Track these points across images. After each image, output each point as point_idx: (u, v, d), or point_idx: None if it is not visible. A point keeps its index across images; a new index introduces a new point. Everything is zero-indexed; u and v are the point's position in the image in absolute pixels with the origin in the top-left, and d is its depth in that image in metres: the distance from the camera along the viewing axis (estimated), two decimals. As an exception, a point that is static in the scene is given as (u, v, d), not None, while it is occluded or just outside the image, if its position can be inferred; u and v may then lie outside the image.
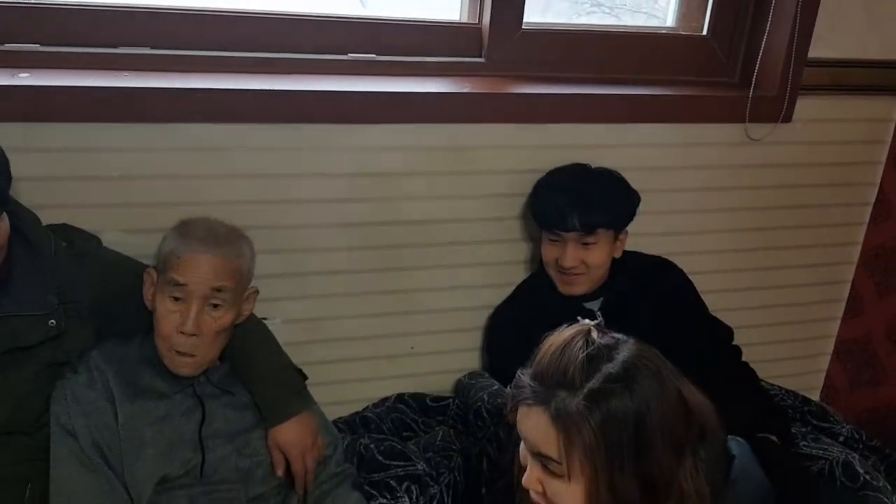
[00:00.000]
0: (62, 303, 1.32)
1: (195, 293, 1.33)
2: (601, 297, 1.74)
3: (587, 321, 1.10)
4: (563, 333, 1.07)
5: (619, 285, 1.75)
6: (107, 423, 1.34)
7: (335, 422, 1.70)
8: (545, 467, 1.05)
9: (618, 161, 1.77)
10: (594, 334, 1.06)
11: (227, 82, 1.54)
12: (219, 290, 1.35)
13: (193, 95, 1.49)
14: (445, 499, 1.55)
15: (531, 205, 1.75)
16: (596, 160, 1.76)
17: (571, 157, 1.76)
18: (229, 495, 1.40)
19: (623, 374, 1.02)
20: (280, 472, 1.45)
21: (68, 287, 1.33)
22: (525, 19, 1.76)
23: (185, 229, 1.39)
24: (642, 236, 1.80)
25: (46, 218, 1.38)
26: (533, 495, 1.08)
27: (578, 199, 1.66)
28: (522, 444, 1.10)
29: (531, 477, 1.07)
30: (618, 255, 1.74)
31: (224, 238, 1.39)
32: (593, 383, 1.01)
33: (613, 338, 1.07)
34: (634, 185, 1.74)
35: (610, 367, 1.03)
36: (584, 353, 1.03)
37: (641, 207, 1.74)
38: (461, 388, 1.80)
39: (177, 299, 1.34)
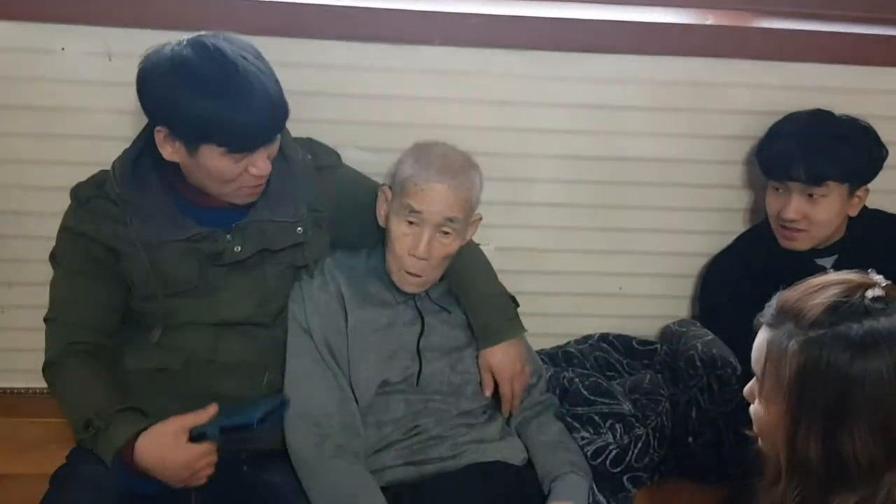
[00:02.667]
0: (308, 212, 1.41)
1: (429, 221, 1.38)
2: (835, 253, 1.62)
3: (881, 277, 1.01)
4: (833, 276, 1.01)
5: (856, 244, 1.62)
6: (337, 326, 1.43)
7: (538, 353, 1.71)
8: (756, 385, 1.05)
9: (870, 108, 1.62)
10: (870, 293, 0.97)
11: (466, 6, 1.54)
12: (451, 219, 1.39)
13: (434, 18, 1.52)
14: (651, 441, 1.53)
15: (759, 149, 1.65)
16: (843, 107, 1.62)
17: (815, 102, 1.63)
18: (441, 406, 1.45)
19: (857, 341, 0.94)
20: (488, 392, 1.49)
21: (311, 197, 1.42)
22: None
23: (422, 156, 1.42)
24: (890, 194, 1.64)
25: (293, 131, 1.46)
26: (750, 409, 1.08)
27: (808, 147, 1.54)
28: None
29: (747, 390, 1.07)
30: (853, 212, 1.61)
31: (459, 168, 1.42)
32: (819, 332, 0.95)
33: (888, 305, 0.97)
34: (887, 136, 1.58)
35: (847, 328, 0.95)
36: (834, 301, 0.97)
37: (892, 162, 1.59)
38: (669, 334, 1.75)
39: (411, 223, 1.39)
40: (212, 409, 1.28)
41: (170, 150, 1.28)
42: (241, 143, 1.24)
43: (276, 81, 1.27)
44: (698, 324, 1.74)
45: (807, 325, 0.96)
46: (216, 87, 1.21)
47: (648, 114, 1.66)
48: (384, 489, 1.35)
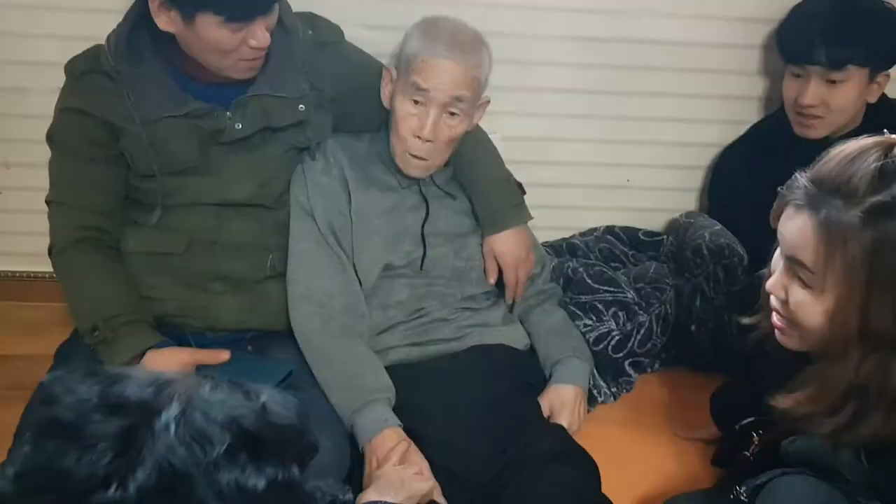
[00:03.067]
0: (309, 89, 1.37)
1: (435, 99, 1.33)
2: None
3: (893, 135, 0.97)
4: (860, 141, 0.96)
5: (872, 132, 1.56)
6: (340, 209, 1.41)
7: (542, 245, 1.70)
8: (795, 274, 0.97)
9: (898, -10, 1.55)
10: None
11: None
12: (458, 98, 1.34)
13: None
14: (654, 328, 1.54)
15: (778, 31, 1.59)
16: (870, -12, 1.55)
17: (841, -19, 1.55)
18: (445, 290, 1.45)
19: None
20: (492, 279, 1.48)
21: (313, 75, 1.37)
22: None
23: (430, 30, 1.36)
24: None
25: (293, 5, 1.39)
26: (773, 302, 1.02)
27: (830, 28, 1.48)
28: (778, 248, 1.02)
29: (777, 282, 1.00)
30: (872, 99, 1.56)
31: (468, 45, 1.36)
32: (878, 197, 0.90)
33: None
34: (916, 19, 1.52)
35: None
36: (878, 164, 0.91)
37: (918, 47, 1.53)
38: (677, 226, 1.73)
39: (416, 103, 1.34)
40: (224, 355, 1.28)
41: (165, 20, 1.23)
42: (238, 9, 1.19)
43: None
44: (706, 215, 1.73)
45: (861, 195, 0.91)
46: None
47: (665, -8, 1.59)
48: (388, 368, 1.36)
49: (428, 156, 1.38)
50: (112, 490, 0.59)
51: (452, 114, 1.35)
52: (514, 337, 1.48)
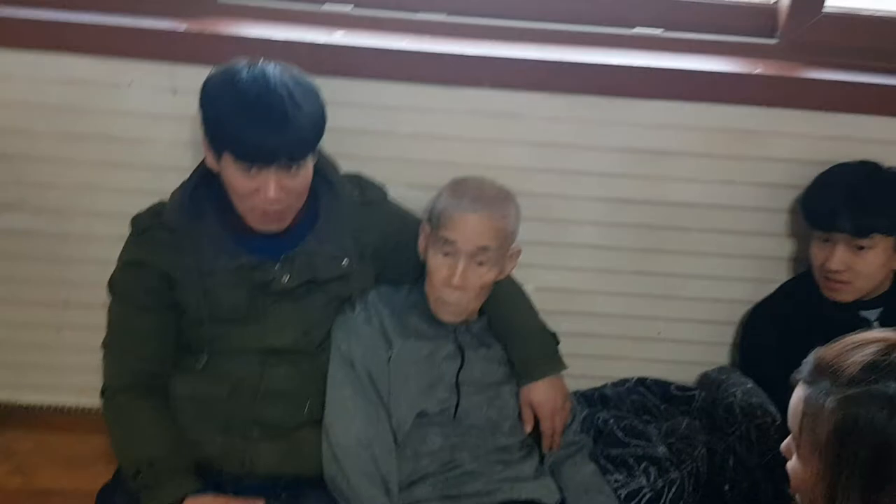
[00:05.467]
0: (353, 245, 1.45)
1: (463, 250, 1.41)
2: (881, 306, 1.60)
3: None
4: (875, 333, 1.02)
5: (901, 297, 1.60)
6: (379, 357, 1.46)
7: (573, 394, 1.72)
8: (792, 441, 1.05)
9: (917, 162, 1.61)
10: None
11: (516, 51, 1.59)
12: (484, 248, 1.41)
13: (483, 62, 1.56)
14: (686, 486, 1.51)
15: (803, 199, 1.64)
16: (891, 159, 1.61)
17: (861, 153, 1.62)
18: (478, 441, 1.47)
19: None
20: (528, 428, 1.50)
21: (358, 231, 1.46)
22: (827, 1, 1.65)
23: (457, 189, 1.46)
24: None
25: (343, 167, 1.51)
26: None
27: (854, 198, 1.54)
28: None
29: (784, 445, 1.08)
30: (900, 266, 1.59)
31: (491, 199, 1.45)
32: (856, 390, 0.96)
33: None
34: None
35: (885, 386, 0.95)
36: (871, 359, 0.97)
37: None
38: (708, 381, 1.74)
39: (447, 254, 1.42)
40: (260, 502, 1.32)
41: (210, 159, 1.34)
42: (246, 151, 1.27)
43: (309, 114, 1.29)
44: (738, 371, 1.73)
45: (844, 382, 0.97)
46: (243, 98, 1.26)
47: (693, 159, 1.67)
48: (419, 522, 1.36)
49: (459, 302, 1.44)
50: None
51: (480, 263, 1.42)
52: (546, 492, 1.47)
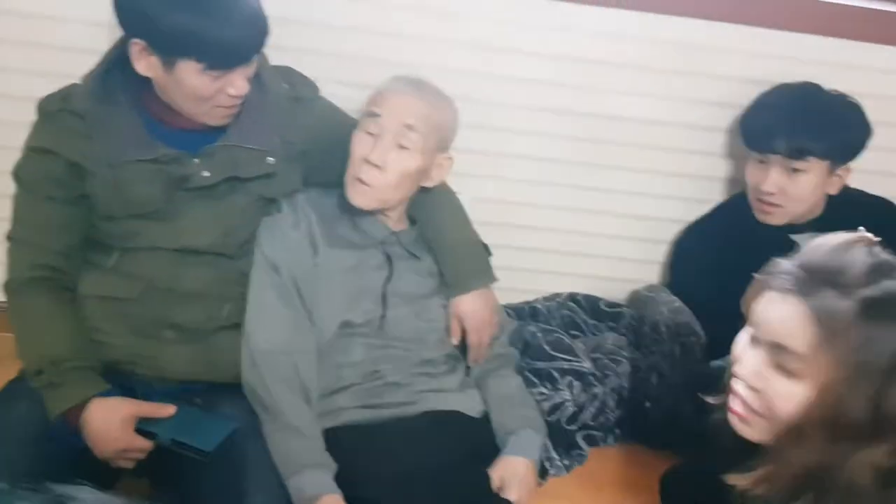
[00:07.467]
0: (280, 142, 1.37)
1: (387, 127, 1.36)
2: (812, 230, 1.61)
3: (867, 233, 0.99)
4: (841, 236, 0.98)
5: (833, 224, 1.60)
6: (305, 263, 1.40)
7: (504, 307, 1.70)
8: (779, 363, 0.97)
9: (862, 86, 1.60)
10: (877, 248, 0.96)
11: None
12: (409, 126, 1.36)
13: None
14: (608, 401, 1.54)
15: (743, 119, 1.63)
16: (835, 82, 1.59)
17: (808, 74, 1.60)
18: (402, 353, 1.44)
19: None
20: (456, 340, 1.48)
21: (285, 128, 1.38)
22: None
23: (398, 76, 1.42)
24: (873, 174, 1.64)
25: (272, 59, 1.41)
26: (742, 391, 1.00)
27: (791, 120, 1.52)
28: (746, 333, 1.02)
29: (755, 372, 0.99)
30: (833, 191, 1.60)
31: (429, 87, 1.41)
32: (873, 291, 0.92)
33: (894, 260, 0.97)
34: (876, 115, 1.56)
35: (893, 285, 0.93)
36: (870, 260, 0.94)
37: (879, 142, 1.58)
38: (638, 299, 1.75)
39: (370, 133, 1.37)
40: (169, 409, 1.27)
41: (144, 65, 1.24)
42: (220, 58, 1.21)
43: (258, 1, 1.23)
44: (667, 290, 1.74)
45: (854, 285, 0.92)
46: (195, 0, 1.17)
47: (635, 72, 1.63)
48: (337, 429, 1.34)
49: (375, 184, 1.37)
50: None
51: (403, 147, 1.37)
52: (470, 404, 1.46)
